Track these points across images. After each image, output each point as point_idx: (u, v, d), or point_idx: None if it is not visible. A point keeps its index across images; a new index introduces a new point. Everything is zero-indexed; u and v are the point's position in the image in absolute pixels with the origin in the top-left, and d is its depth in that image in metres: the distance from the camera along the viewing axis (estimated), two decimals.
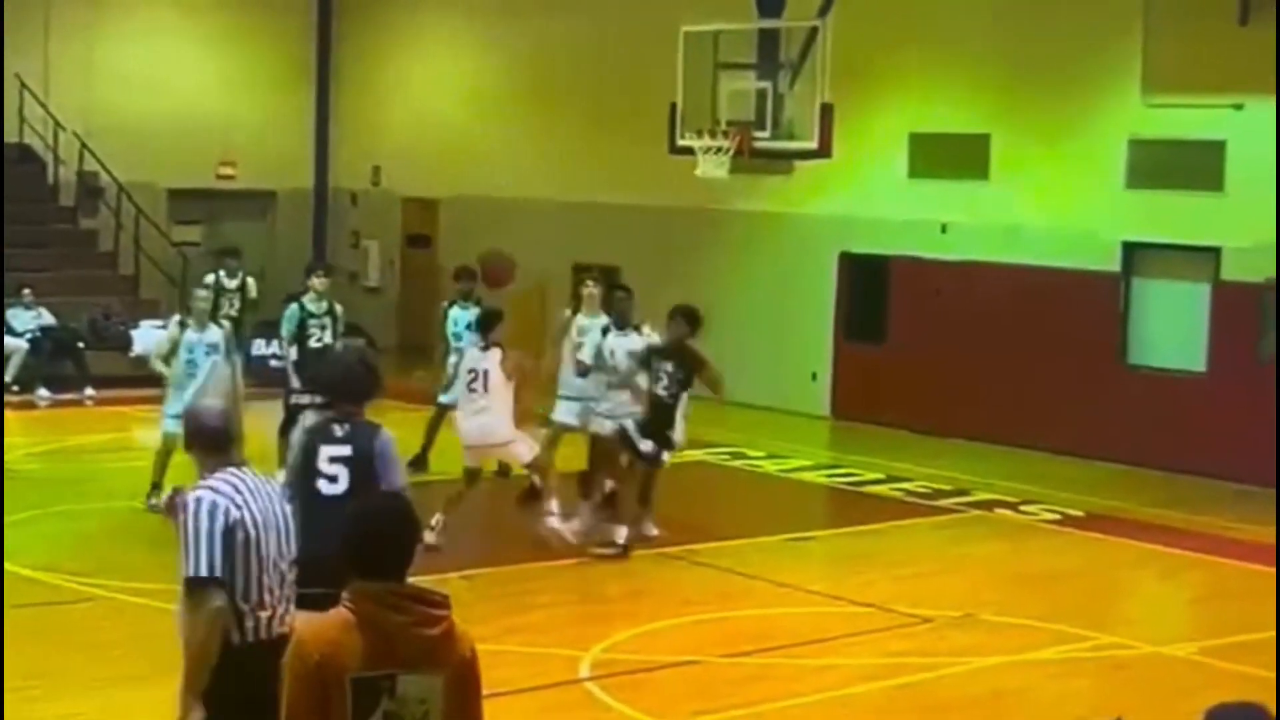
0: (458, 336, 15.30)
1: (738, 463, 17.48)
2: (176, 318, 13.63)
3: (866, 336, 20.39)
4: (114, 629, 10.51)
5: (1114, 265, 18.28)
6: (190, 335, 13.32)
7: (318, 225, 27.17)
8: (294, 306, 15.00)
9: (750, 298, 21.18)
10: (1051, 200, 18.70)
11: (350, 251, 26.85)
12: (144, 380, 19.11)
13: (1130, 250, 18.22)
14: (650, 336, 13.51)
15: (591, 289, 14.65)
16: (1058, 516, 15.21)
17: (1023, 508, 15.61)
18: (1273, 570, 12.98)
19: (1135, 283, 18.34)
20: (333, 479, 7.67)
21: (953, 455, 18.03)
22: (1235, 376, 17.14)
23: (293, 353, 14.77)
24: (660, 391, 12.87)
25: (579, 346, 14.11)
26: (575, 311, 14.61)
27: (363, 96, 26.56)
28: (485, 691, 4.50)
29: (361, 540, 4.38)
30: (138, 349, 20.60)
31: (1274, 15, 16.58)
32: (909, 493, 16.25)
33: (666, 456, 13.10)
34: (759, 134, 17.92)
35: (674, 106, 18.49)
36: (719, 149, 17.90)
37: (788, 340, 20.98)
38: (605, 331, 13.65)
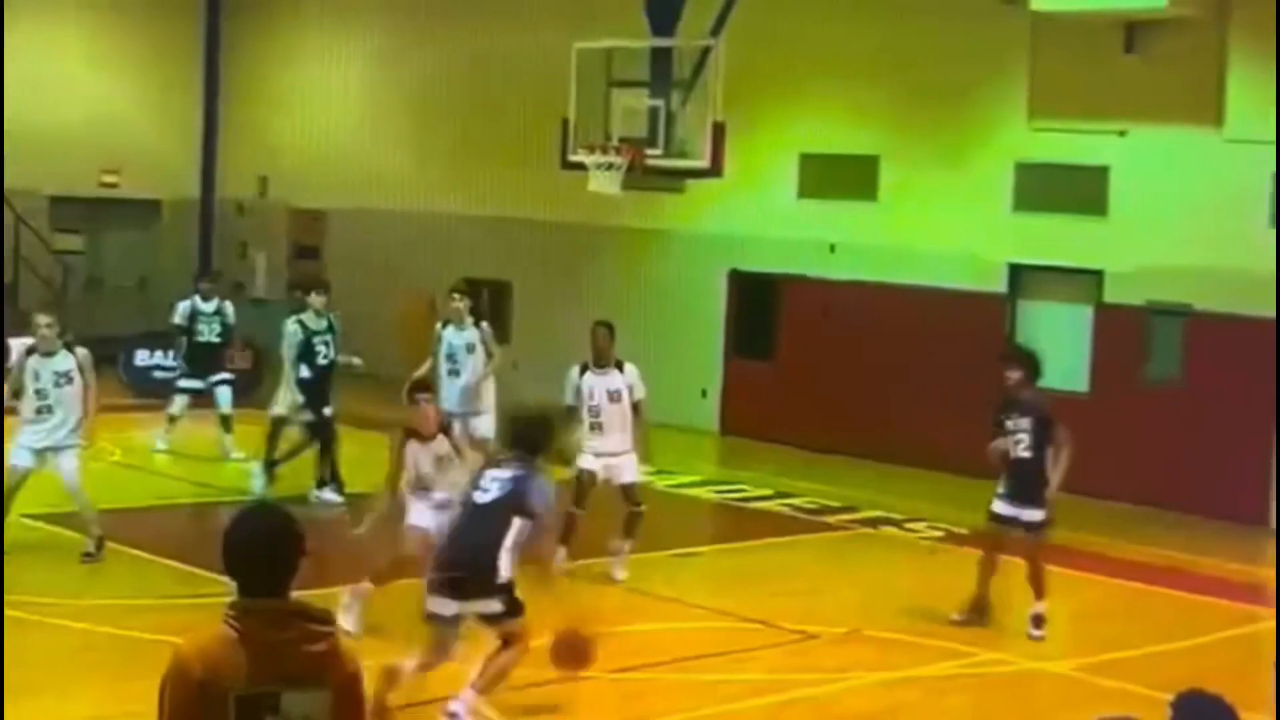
0: (452, 358, 14.85)
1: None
2: (22, 345, 12.58)
3: (755, 354, 20.50)
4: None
5: (1000, 287, 18.53)
6: (34, 362, 12.24)
7: (204, 235, 26.83)
8: (295, 325, 15.06)
9: (641, 314, 21.18)
10: (939, 222, 18.92)
11: (238, 262, 26.55)
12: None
13: (1016, 272, 18.49)
14: (630, 375, 12.96)
15: (458, 303, 14.84)
16: (941, 534, 15.36)
17: (908, 525, 15.75)
18: (1151, 588, 13.24)
19: (1021, 304, 18.61)
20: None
21: (840, 472, 18.16)
22: (1117, 397, 17.43)
23: (303, 369, 14.92)
24: (1023, 453, 11.84)
25: (449, 358, 14.65)
26: (446, 324, 14.87)
27: (251, 106, 26.28)
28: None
29: (243, 556, 4.31)
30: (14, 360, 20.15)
31: (1157, 44, 16.94)
32: (796, 509, 16.34)
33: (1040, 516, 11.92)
34: (651, 151, 17.99)
35: (566, 122, 18.52)
36: (611, 165, 17.94)
37: (678, 357, 21.01)
38: (583, 370, 12.96)
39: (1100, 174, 17.68)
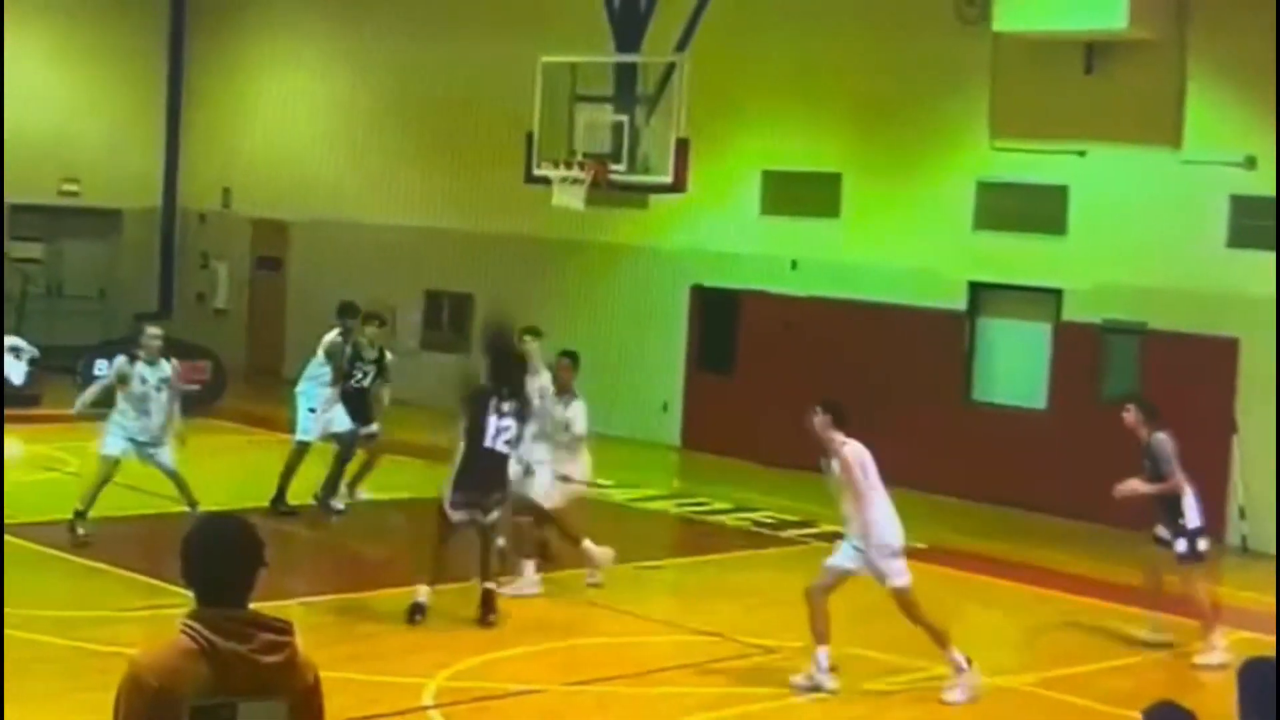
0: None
1: (588, 491, 17.47)
2: (121, 356, 13.77)
3: (717, 369, 20.56)
4: None
5: (960, 304, 18.64)
6: (140, 368, 13.52)
7: (165, 245, 26.74)
8: (349, 348, 15.27)
9: (603, 328, 21.24)
10: (900, 239, 19.03)
11: (199, 272, 26.47)
12: None
13: (976, 290, 18.61)
14: (575, 409, 12.99)
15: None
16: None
17: None
18: (1104, 604, 13.34)
19: (980, 322, 18.72)
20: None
21: (799, 487, 18.14)
22: (1074, 414, 17.55)
23: (336, 391, 15.25)
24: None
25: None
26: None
27: (214, 117, 26.22)
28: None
29: (200, 566, 4.28)
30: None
31: (1117, 65, 17.11)
32: (756, 523, 16.40)
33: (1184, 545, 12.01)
34: (615, 167, 18.03)
35: (530, 136, 18.54)
36: (575, 180, 17.97)
37: (640, 371, 21.08)
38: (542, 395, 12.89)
39: (1060, 193, 17.82)
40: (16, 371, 20.26)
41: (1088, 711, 10.51)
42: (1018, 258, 18.13)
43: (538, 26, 20.88)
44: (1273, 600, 12.97)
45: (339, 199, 24.23)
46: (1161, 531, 12.18)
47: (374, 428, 15.47)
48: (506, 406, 11.47)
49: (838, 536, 15.70)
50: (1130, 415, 12.19)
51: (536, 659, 11.03)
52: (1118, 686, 10.95)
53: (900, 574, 10.53)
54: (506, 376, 11.68)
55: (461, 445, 11.48)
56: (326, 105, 24.96)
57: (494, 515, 11.56)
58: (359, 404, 15.35)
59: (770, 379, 19.91)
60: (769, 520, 16.50)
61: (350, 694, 9.18)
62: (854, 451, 10.53)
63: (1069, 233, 17.81)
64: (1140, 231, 17.25)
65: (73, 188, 25.40)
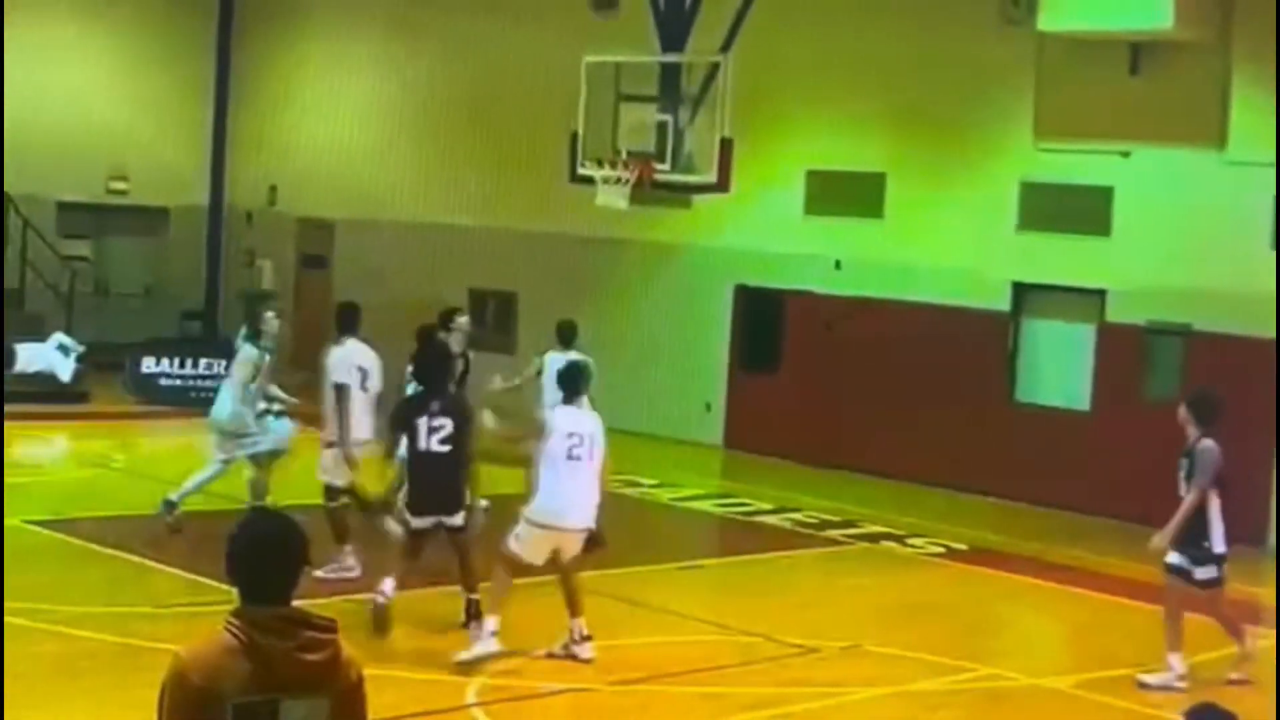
0: None
1: (630, 490, 17.54)
2: (250, 346, 13.54)
3: (760, 368, 20.59)
4: None
5: (1004, 305, 18.61)
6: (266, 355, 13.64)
7: (212, 243, 26.94)
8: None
9: (646, 327, 21.30)
10: (944, 240, 19.00)
11: (245, 270, 26.65)
12: (26, 396, 18.90)
13: (1020, 290, 18.57)
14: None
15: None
16: (942, 550, 15.43)
17: (909, 540, 15.82)
18: (1146, 606, 13.28)
19: (1024, 322, 18.69)
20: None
21: (842, 487, 18.24)
22: (1117, 414, 17.51)
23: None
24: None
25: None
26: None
27: (261, 115, 26.39)
28: (370, 718, 4.50)
29: (246, 563, 4.30)
30: (21, 365, 20.24)
31: (1162, 66, 17.03)
32: (798, 523, 16.41)
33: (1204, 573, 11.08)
34: (659, 166, 18.06)
35: (575, 135, 18.60)
36: (619, 179, 18.01)
37: (683, 370, 21.12)
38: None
39: (1104, 194, 17.76)
40: (64, 368, 20.46)
41: (1129, 713, 10.49)
42: (1062, 258, 18.09)
43: (583, 26, 20.95)
44: None
45: (384, 198, 24.35)
46: (1176, 559, 10.99)
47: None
48: (435, 405, 11.05)
49: (881, 536, 15.82)
50: (1182, 412, 11.42)
51: None
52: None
53: None
54: (427, 377, 11.45)
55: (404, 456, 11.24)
56: (373, 105, 25.09)
57: (456, 519, 11.03)
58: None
59: (813, 379, 19.93)
60: (811, 520, 16.52)
61: (393, 692, 9.24)
62: None
63: (1113, 234, 17.76)
64: (1184, 233, 17.19)
65: (121, 185, 25.63)
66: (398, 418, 11.17)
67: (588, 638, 10.74)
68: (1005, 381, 18.66)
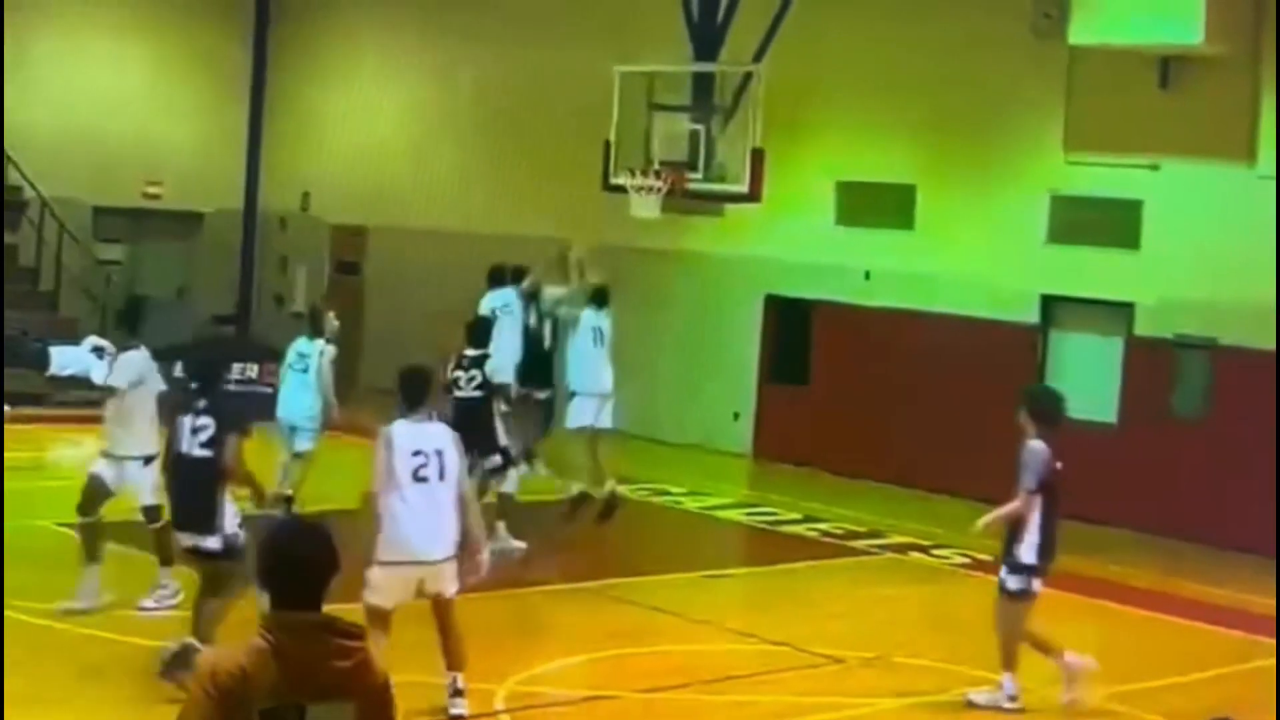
0: None
1: (658, 499, 17.65)
2: (328, 345, 15.21)
3: (789, 379, 20.64)
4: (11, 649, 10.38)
5: (1032, 317, 18.63)
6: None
7: (245, 248, 27.09)
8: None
9: (676, 336, 21.38)
10: (974, 252, 19.04)
11: (278, 276, 26.82)
12: (59, 400, 19.04)
13: (1048, 303, 18.59)
14: None
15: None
16: (968, 561, 15.45)
17: (935, 551, 15.86)
18: (1172, 619, 13.31)
19: (1052, 335, 18.71)
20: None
21: (869, 498, 18.28)
22: (1145, 428, 17.51)
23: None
24: None
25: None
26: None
27: (296, 122, 26.55)
28: None
29: (278, 569, 4.35)
30: (55, 368, 20.36)
31: (1192, 80, 17.04)
32: (825, 533, 16.47)
33: None
34: (691, 175, 18.15)
35: (608, 144, 18.69)
36: (651, 188, 18.11)
37: (712, 379, 21.19)
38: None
39: (1133, 207, 17.78)
40: (99, 370, 20.57)
41: None
42: (1090, 271, 18.10)
43: (616, 35, 21.05)
44: None
45: (417, 205, 24.47)
46: (1002, 570, 10.49)
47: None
48: (201, 404, 9.98)
49: (908, 547, 15.85)
50: (1021, 414, 10.92)
51: (606, 665, 11.16)
52: (1187, 703, 10.95)
53: None
54: (200, 371, 10.54)
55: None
56: (407, 113, 25.23)
57: (210, 541, 9.85)
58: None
59: (842, 389, 19.97)
60: (838, 531, 16.57)
61: (421, 697, 9.32)
62: None
63: (1142, 247, 17.77)
64: (1213, 246, 17.19)
65: (155, 190, 25.82)
66: (162, 411, 10.08)
67: (460, 692, 9.43)
68: None
